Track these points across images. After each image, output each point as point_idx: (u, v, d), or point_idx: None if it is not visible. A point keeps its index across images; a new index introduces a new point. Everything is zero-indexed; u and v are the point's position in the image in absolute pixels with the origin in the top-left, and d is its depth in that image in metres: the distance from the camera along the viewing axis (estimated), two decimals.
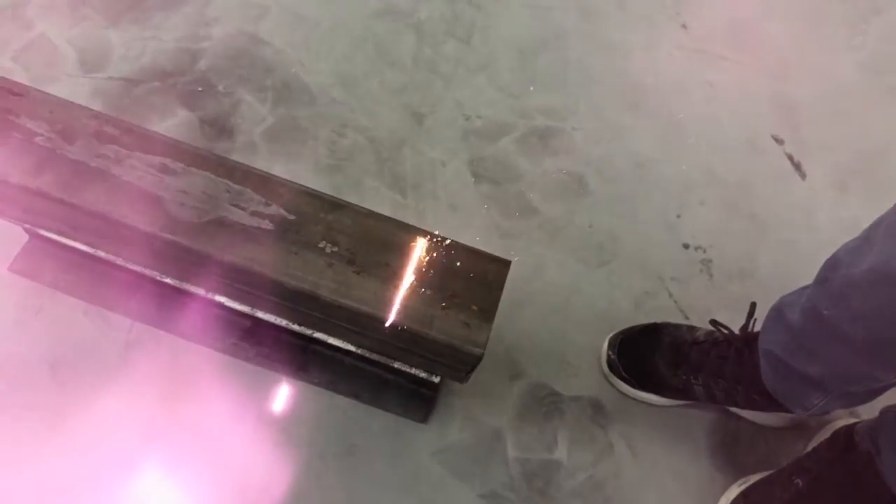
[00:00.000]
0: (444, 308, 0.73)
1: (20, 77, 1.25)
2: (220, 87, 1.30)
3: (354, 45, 1.38)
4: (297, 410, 1.04)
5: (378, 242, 0.75)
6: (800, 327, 0.86)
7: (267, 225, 0.75)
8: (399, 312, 0.72)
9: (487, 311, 0.74)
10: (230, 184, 0.77)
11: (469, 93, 1.36)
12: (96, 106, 1.24)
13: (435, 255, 0.76)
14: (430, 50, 1.39)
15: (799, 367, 0.88)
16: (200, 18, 1.37)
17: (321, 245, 0.74)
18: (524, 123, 1.33)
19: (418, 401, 1.04)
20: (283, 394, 1.05)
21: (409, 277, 0.74)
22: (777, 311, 0.94)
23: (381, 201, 1.21)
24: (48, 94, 0.80)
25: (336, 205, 0.77)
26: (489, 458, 1.04)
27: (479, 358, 0.72)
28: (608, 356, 1.10)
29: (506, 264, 0.77)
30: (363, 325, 0.76)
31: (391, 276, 0.74)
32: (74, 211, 0.75)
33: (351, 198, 1.18)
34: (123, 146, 0.77)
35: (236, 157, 1.22)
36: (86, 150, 0.77)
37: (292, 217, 0.75)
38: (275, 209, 0.76)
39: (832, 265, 0.83)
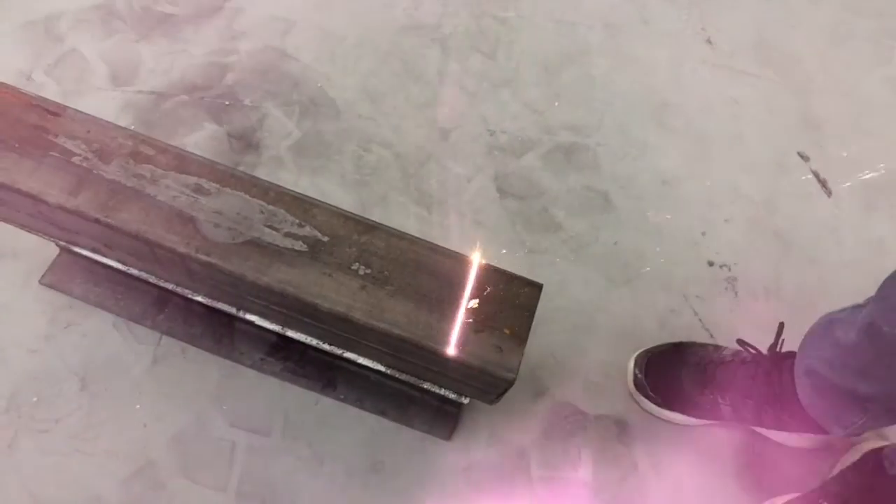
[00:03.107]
0: (476, 331, 0.73)
1: (52, 90, 1.27)
2: (248, 102, 1.31)
3: (380, 61, 1.39)
4: (324, 426, 1.04)
5: (411, 265, 0.76)
6: (853, 344, 0.85)
7: (300, 246, 0.75)
8: (431, 336, 0.72)
9: (520, 335, 0.74)
10: (264, 204, 0.77)
11: (494, 108, 1.36)
12: (126, 119, 1.26)
13: (467, 277, 0.76)
14: (455, 65, 1.40)
15: (844, 385, 0.88)
16: (228, 33, 1.38)
17: (354, 267, 0.75)
18: (549, 139, 1.33)
19: (443, 418, 1.05)
20: (309, 409, 1.05)
21: (441, 300, 0.74)
22: (823, 328, 0.93)
23: (406, 217, 1.22)
24: (85, 113, 0.81)
25: (369, 226, 0.77)
26: (514, 476, 1.04)
27: (512, 382, 0.73)
28: (634, 375, 1.09)
29: (538, 287, 0.77)
30: (395, 347, 0.76)
31: (424, 298, 0.74)
32: (110, 231, 0.76)
33: (377, 213, 1.20)
34: (159, 166, 0.78)
35: (263, 171, 1.23)
36: (122, 170, 0.77)
37: (326, 238, 0.76)
38: (308, 230, 0.76)
39: (893, 282, 0.82)
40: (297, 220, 0.77)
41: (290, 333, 0.91)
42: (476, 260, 0.77)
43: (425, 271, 0.76)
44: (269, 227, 0.76)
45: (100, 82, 1.30)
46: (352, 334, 0.78)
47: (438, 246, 0.78)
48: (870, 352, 0.83)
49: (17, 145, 0.77)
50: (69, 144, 0.78)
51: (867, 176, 1.36)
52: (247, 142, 1.27)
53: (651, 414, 1.10)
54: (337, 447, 1.04)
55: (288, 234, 0.76)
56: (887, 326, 0.79)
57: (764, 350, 1.05)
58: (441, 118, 1.34)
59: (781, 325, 1.04)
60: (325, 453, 1.03)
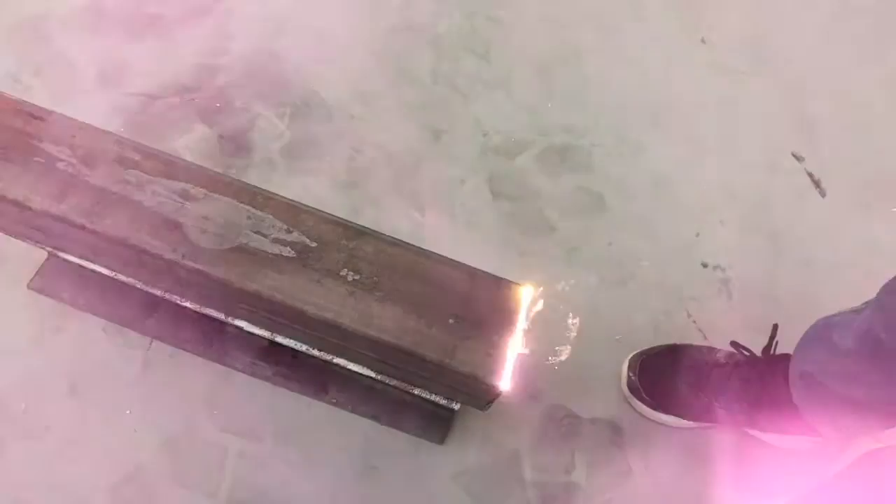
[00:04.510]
0: (466, 338, 0.72)
1: (40, 93, 1.26)
2: (239, 103, 1.30)
3: (372, 61, 1.38)
4: (316, 430, 1.04)
5: (400, 270, 0.75)
6: (850, 349, 0.85)
7: (289, 252, 0.74)
8: (421, 343, 0.71)
9: (511, 341, 0.73)
10: (252, 210, 0.76)
11: (487, 109, 1.35)
12: (115, 121, 1.24)
13: (457, 283, 0.75)
14: (448, 66, 1.39)
15: (840, 389, 0.87)
16: (219, 34, 1.37)
17: (343, 273, 0.74)
18: (542, 140, 1.33)
19: (436, 422, 1.04)
20: (301, 413, 1.04)
21: (431, 306, 0.73)
22: (819, 332, 0.93)
23: (398, 219, 1.21)
24: (71, 118, 0.80)
25: (358, 232, 0.76)
26: (507, 481, 1.04)
27: (503, 389, 0.72)
28: (629, 377, 1.09)
29: (529, 292, 0.76)
30: (384, 353, 0.75)
31: (413, 305, 0.73)
32: (96, 237, 0.75)
33: (369, 215, 1.19)
34: (145, 171, 0.77)
35: (254, 173, 1.22)
36: (108, 176, 0.77)
37: (314, 244, 0.75)
38: (297, 236, 0.75)
39: (892, 289, 0.81)
40: (286, 226, 0.76)
41: (280, 339, 0.90)
42: (467, 265, 0.76)
43: (415, 277, 0.75)
44: (257, 232, 0.75)
45: (88, 84, 1.28)
46: (341, 340, 0.77)
47: (428, 251, 0.77)
48: (867, 358, 0.83)
49: (1, 151, 0.76)
50: (54, 150, 0.77)
51: (861, 176, 1.35)
52: (238, 144, 1.26)
53: (645, 416, 1.09)
54: (329, 452, 1.03)
55: (276, 240, 0.75)
56: (885, 334, 0.78)
57: (758, 352, 1.04)
58: (434, 119, 1.33)
59: (775, 327, 1.04)
60: (317, 458, 1.02)
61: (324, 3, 1.44)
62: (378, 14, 1.44)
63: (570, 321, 1.16)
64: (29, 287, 1.08)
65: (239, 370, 1.05)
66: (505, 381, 0.71)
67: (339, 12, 1.43)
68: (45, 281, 1.08)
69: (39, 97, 1.24)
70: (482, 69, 1.40)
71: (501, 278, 0.77)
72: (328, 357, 0.88)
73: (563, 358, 1.12)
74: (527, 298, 0.76)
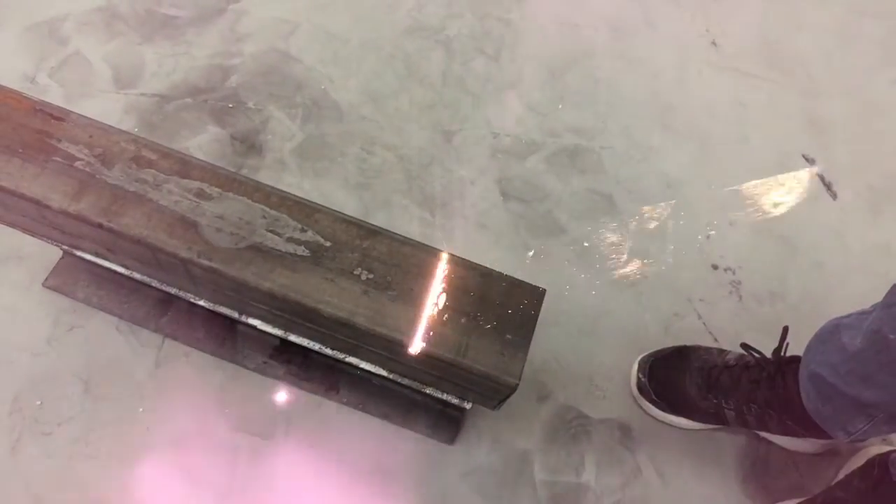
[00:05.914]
0: (478, 337, 0.73)
1: (55, 93, 1.27)
2: (251, 104, 1.31)
3: (384, 63, 1.39)
4: (327, 430, 1.04)
5: (413, 270, 0.75)
6: (858, 350, 0.85)
7: (303, 251, 0.75)
8: (433, 341, 0.72)
9: (522, 341, 0.73)
10: (266, 209, 0.77)
11: (498, 110, 1.36)
12: (129, 122, 1.26)
13: (470, 282, 0.76)
14: (459, 67, 1.40)
15: (849, 391, 0.87)
16: (232, 35, 1.38)
17: (357, 272, 0.75)
18: (553, 142, 1.33)
19: (446, 422, 1.04)
20: (311, 412, 1.05)
21: (444, 305, 0.74)
22: (829, 334, 0.93)
23: (409, 220, 1.21)
24: (88, 118, 0.81)
25: (372, 231, 0.77)
26: (516, 481, 1.04)
27: (514, 388, 0.72)
28: (638, 379, 1.09)
29: (541, 293, 0.77)
30: (397, 352, 0.76)
31: (426, 303, 0.74)
32: (112, 235, 0.76)
33: (380, 216, 1.20)
34: (161, 171, 0.78)
35: (266, 173, 1.23)
36: (124, 175, 0.77)
37: (328, 244, 0.76)
38: (311, 235, 0.76)
39: None
40: (300, 225, 0.76)
41: (293, 338, 0.91)
42: (479, 265, 0.77)
43: (428, 277, 0.75)
44: (272, 231, 0.76)
45: (103, 85, 1.30)
46: (354, 339, 0.78)
47: (441, 251, 0.77)
48: (875, 359, 0.83)
49: (20, 150, 0.77)
50: (72, 149, 0.78)
51: (873, 179, 1.35)
52: (250, 144, 1.27)
53: (655, 418, 1.09)
54: (340, 451, 1.03)
55: (290, 239, 0.76)
56: (894, 335, 0.78)
57: (768, 354, 1.04)
58: (445, 120, 1.33)
59: (785, 329, 1.04)
60: (328, 457, 1.03)
61: (335, 4, 1.45)
62: (389, 15, 1.45)
63: (580, 322, 1.16)
64: (44, 285, 1.09)
65: (251, 369, 1.06)
66: (515, 378, 0.71)
67: (351, 14, 1.44)
68: (60, 279, 1.09)
69: (55, 98, 1.26)
70: (493, 71, 1.40)
71: (513, 278, 0.77)
72: (340, 356, 0.89)
73: (573, 358, 1.13)
74: (538, 299, 0.76)
